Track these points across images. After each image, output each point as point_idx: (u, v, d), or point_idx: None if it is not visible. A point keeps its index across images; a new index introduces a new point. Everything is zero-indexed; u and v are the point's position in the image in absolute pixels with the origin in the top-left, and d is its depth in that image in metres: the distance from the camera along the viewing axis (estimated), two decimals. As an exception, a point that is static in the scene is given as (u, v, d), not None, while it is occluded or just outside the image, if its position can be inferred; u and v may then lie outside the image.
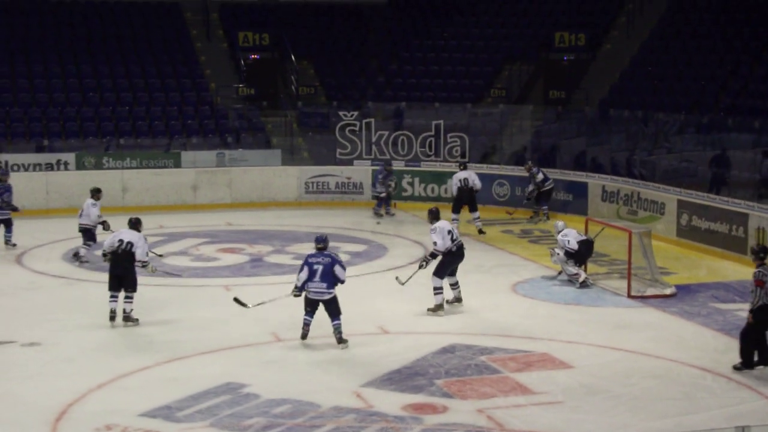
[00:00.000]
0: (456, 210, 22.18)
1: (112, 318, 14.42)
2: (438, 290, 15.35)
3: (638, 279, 16.84)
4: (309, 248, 20.18)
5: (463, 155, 25.52)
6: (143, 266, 14.61)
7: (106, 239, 14.93)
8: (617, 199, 22.72)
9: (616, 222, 19.58)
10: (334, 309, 13.50)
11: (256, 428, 10.66)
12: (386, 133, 26.31)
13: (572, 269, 17.08)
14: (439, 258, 15.44)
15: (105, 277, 14.91)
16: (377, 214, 24.29)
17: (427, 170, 25.89)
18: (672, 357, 13.11)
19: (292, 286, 13.66)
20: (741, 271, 18.22)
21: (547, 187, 23.52)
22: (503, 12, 32.81)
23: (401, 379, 12.24)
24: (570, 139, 26.46)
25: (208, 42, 31.55)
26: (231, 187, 25.77)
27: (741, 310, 15.33)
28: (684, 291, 16.71)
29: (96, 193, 18.86)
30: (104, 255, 14.75)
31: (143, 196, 25.01)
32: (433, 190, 25.85)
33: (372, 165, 26.10)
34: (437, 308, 15.34)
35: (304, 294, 13.51)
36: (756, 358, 12.38)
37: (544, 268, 18.44)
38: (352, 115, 26.40)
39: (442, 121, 26.24)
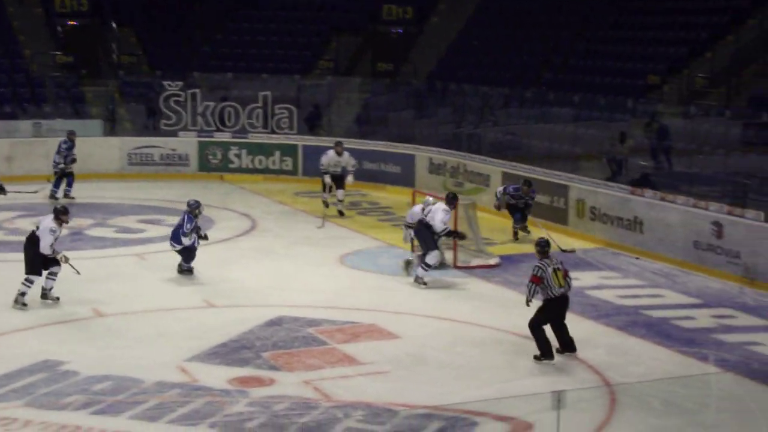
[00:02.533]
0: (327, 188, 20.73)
1: (17, 301, 13.72)
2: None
3: (464, 250, 17.05)
4: (132, 221, 19.87)
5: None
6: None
7: None
8: (444, 171, 22.98)
9: (442, 194, 19.73)
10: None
11: (75, 406, 10.27)
12: (212, 104, 25.81)
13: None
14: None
15: None
16: (53, 197, 21.86)
17: (254, 142, 25.56)
18: (496, 325, 13.33)
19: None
20: (562, 241, 18.67)
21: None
22: (331, -17, 32.68)
23: (227, 352, 12.03)
24: (398, 112, 26.59)
25: (21, 6, 30.11)
26: (49, 158, 24.62)
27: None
28: (508, 261, 17.03)
29: None
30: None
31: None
32: (260, 161, 25.55)
33: (198, 136, 25.59)
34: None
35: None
36: (558, 347, 11.99)
37: (372, 240, 18.49)
38: (176, 86, 25.76)
39: (269, 93, 25.91)
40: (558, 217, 19.57)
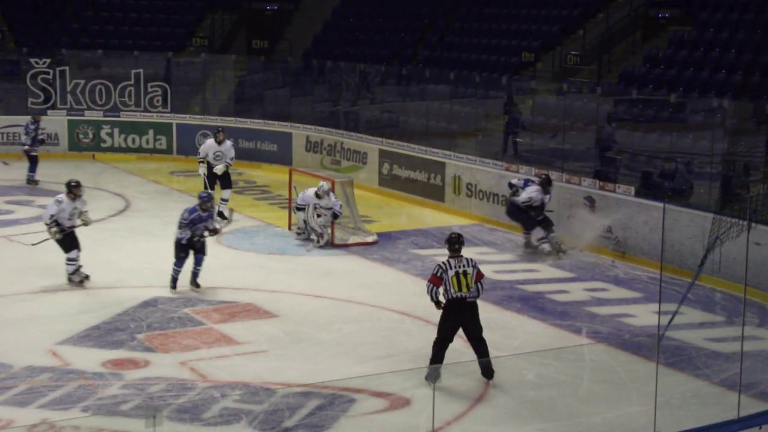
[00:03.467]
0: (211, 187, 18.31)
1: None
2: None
3: (341, 227, 17.04)
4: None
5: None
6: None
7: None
8: (321, 149, 22.90)
9: (319, 172, 19.71)
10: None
11: (-61, 394, 9.91)
12: (82, 81, 25.13)
13: (318, 227, 16.57)
14: None
15: None
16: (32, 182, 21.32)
17: (127, 120, 25.02)
18: (373, 303, 13.36)
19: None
20: (439, 218, 18.89)
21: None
22: (204, -41, 32.14)
23: (101, 335, 11.78)
24: (274, 90, 26.35)
25: None
26: None
27: (438, 255, 15.85)
28: (385, 238, 17.08)
29: None
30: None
31: None
32: (134, 140, 25.02)
33: (68, 115, 24.92)
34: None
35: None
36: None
37: (250, 219, 18.30)
38: (44, 63, 25.00)
39: (141, 70, 25.38)
40: (435, 194, 19.70)
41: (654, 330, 11.74)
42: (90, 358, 10.98)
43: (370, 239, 16.85)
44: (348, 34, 28.60)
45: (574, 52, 23.48)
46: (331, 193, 16.59)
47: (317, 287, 14.10)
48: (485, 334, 10.48)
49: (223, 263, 15.35)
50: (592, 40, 23.59)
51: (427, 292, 10.46)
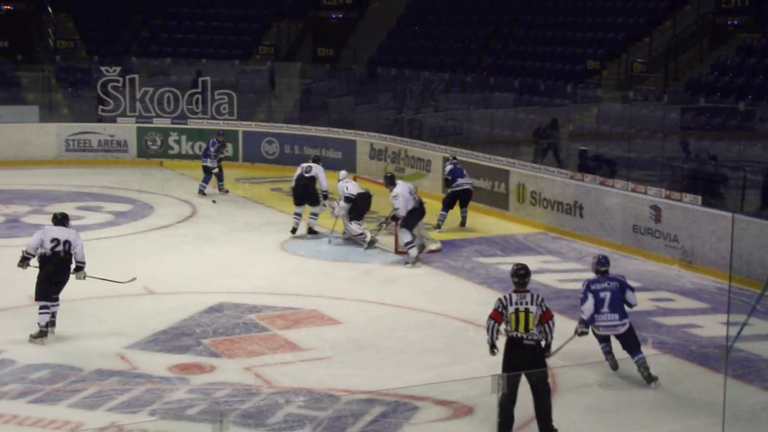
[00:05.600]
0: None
1: (44, 334, 11.76)
2: (409, 244, 15.84)
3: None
4: (70, 208, 19.56)
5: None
6: (78, 269, 12.10)
7: (32, 239, 12.00)
8: (385, 157, 22.98)
9: (383, 179, 19.73)
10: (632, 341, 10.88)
11: (12, 395, 10.12)
12: (151, 89, 25.53)
13: (357, 229, 16.95)
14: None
15: None
16: (203, 193, 21.12)
17: (194, 128, 25.34)
18: (436, 310, 13.36)
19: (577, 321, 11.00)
20: (503, 225, 18.86)
21: (455, 188, 18.67)
22: (271, -32, 32.47)
23: (167, 339, 11.93)
24: (339, 97, 26.52)
25: (-43, -9, 29.59)
26: (-14, 144, 24.39)
27: (502, 264, 15.86)
28: (449, 246, 17.08)
29: None
30: (26, 259, 12.07)
31: None
32: (200, 147, 25.28)
33: (137, 122, 25.33)
34: (415, 261, 15.83)
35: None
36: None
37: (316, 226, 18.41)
38: (114, 71, 25.43)
39: (209, 78, 25.71)
40: (499, 202, 19.66)
41: (722, 341, 11.63)
42: (157, 363, 11.13)
43: (433, 247, 16.85)
44: (412, 41, 28.67)
45: (640, 60, 23.30)
46: (342, 180, 17.22)
47: (381, 294, 14.14)
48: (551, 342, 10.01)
49: (287, 270, 15.49)
50: (659, 48, 23.38)
51: (487, 329, 9.50)
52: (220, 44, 29.72)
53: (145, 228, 18.18)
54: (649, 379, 10.54)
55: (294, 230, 17.52)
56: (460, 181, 18.59)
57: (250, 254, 16.27)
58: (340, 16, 31.08)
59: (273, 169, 24.46)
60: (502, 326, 9.42)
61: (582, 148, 19.77)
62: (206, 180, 21.22)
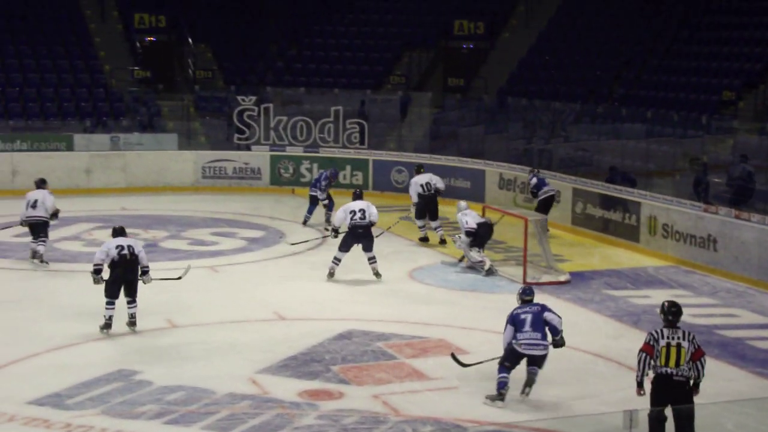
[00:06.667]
0: (420, 216, 19.84)
1: (109, 326, 13.19)
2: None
3: (534, 266, 17.02)
4: (205, 233, 20.14)
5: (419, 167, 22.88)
6: (143, 274, 13.48)
7: (98, 253, 13.42)
8: (514, 187, 22.94)
9: (512, 209, 19.76)
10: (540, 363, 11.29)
11: (149, 416, 10.46)
12: (285, 118, 26.10)
13: (476, 256, 17.11)
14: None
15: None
16: (305, 223, 21.30)
17: (325, 156, 25.78)
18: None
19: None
20: (633, 258, 18.61)
21: (542, 196, 20.45)
22: (403, -1, 32.89)
23: (297, 365, 12.15)
24: (468, 127, 26.63)
25: (103, 23, 30.82)
26: (126, 171, 25.29)
27: (632, 297, 15.66)
28: (578, 278, 16.94)
29: (45, 182, 17.84)
30: (98, 272, 13.40)
31: (34, 180, 24.29)
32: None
33: (271, 150, 25.91)
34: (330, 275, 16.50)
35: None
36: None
37: (442, 255, 18.51)
38: (250, 100, 26.10)
39: (341, 107, 26.14)
40: (629, 234, 19.41)
41: None
42: (287, 388, 11.33)
43: (562, 278, 16.76)
44: (543, 72, 28.60)
45: (778, 90, 22.75)
46: (461, 212, 17.30)
47: (509, 325, 14.09)
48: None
49: (416, 298, 15.59)
50: (798, 78, 22.82)
51: (638, 362, 9.36)
52: (353, 74, 30.20)
53: (276, 254, 18.57)
54: (527, 385, 11.01)
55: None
56: (545, 188, 20.41)
57: (379, 282, 16.44)
58: (471, 46, 31.23)
59: (402, 198, 24.61)
60: (652, 361, 9.35)
61: (716, 180, 19.41)
62: (311, 211, 21.36)
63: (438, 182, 20.02)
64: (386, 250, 18.97)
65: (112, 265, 13.24)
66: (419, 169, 20.73)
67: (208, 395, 11.05)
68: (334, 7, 32.48)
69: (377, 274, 16.56)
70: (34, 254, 17.24)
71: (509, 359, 11.12)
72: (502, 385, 10.99)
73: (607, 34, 28.35)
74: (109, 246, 13.37)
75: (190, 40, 29.82)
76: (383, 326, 13.83)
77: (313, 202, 21.38)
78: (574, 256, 18.75)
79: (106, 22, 30.90)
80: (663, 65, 26.21)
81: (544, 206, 20.25)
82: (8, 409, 10.53)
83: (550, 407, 10.97)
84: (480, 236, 17.19)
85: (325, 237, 18.40)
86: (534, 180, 20.60)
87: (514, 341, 11.09)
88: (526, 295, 11.61)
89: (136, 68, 28.88)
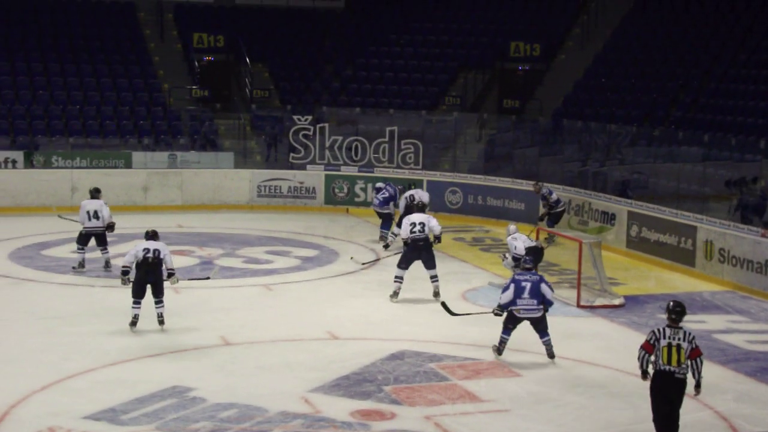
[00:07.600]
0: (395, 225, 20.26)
1: (135, 323, 14.12)
2: (397, 279, 16.53)
3: (588, 289, 16.92)
4: (260, 252, 20.30)
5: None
6: (170, 276, 14.28)
7: (127, 255, 14.29)
8: (569, 209, 22.83)
9: (567, 232, 19.69)
10: (543, 326, 13.27)
11: (202, 432, 10.56)
12: (340, 138, 26.27)
13: None
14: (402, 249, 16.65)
15: (50, 276, 14.62)
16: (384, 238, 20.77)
17: (380, 176, 25.83)
18: (619, 367, 13.16)
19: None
20: (689, 282, 18.45)
21: (559, 209, 22.03)
22: (459, 20, 32.93)
23: (350, 384, 12.19)
24: (523, 149, 26.58)
25: (162, 43, 31.33)
26: (182, 188, 25.60)
27: (688, 322, 15.44)
28: (632, 302, 16.82)
29: (100, 192, 18.43)
30: (125, 273, 14.27)
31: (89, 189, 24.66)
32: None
33: (325, 170, 26.08)
34: (394, 294, 16.44)
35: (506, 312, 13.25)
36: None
37: (495, 276, 18.48)
38: (306, 120, 26.32)
39: (396, 128, 26.24)
40: (685, 258, 19.24)
41: None
42: (339, 407, 11.36)
43: (616, 302, 16.65)
44: (599, 94, 28.48)
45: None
46: (510, 236, 17.10)
47: (561, 348, 13.99)
48: (737, 405, 10.02)
49: (468, 320, 15.56)
50: None
51: (638, 358, 10.06)
52: (408, 95, 30.31)
53: (330, 273, 18.66)
54: (551, 356, 13.12)
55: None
56: (562, 203, 21.95)
57: (432, 302, 16.43)
58: (527, 68, 31.21)
59: (456, 219, 24.70)
60: (652, 357, 9.96)
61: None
62: (388, 227, 21.42)
63: (423, 196, 20.88)
64: (440, 272, 18.91)
65: (137, 266, 14.08)
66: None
67: (261, 413, 11.11)
68: (390, 28, 32.65)
69: (437, 294, 16.52)
70: (106, 264, 18.00)
71: (510, 322, 13.16)
72: (502, 342, 13.22)
73: (664, 57, 28.18)
74: (137, 249, 14.14)
75: (247, 60, 30.15)
76: (436, 347, 13.84)
77: (388, 218, 21.49)
78: (628, 280, 18.62)
79: (165, 41, 31.39)
80: (720, 88, 25.98)
81: (557, 219, 21.78)
82: (64, 423, 10.68)
83: (604, 431, 10.90)
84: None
85: (388, 256, 18.48)
86: (554, 196, 21.91)
87: (513, 307, 13.01)
88: (527, 264, 13.45)
89: (194, 87, 29.25)
